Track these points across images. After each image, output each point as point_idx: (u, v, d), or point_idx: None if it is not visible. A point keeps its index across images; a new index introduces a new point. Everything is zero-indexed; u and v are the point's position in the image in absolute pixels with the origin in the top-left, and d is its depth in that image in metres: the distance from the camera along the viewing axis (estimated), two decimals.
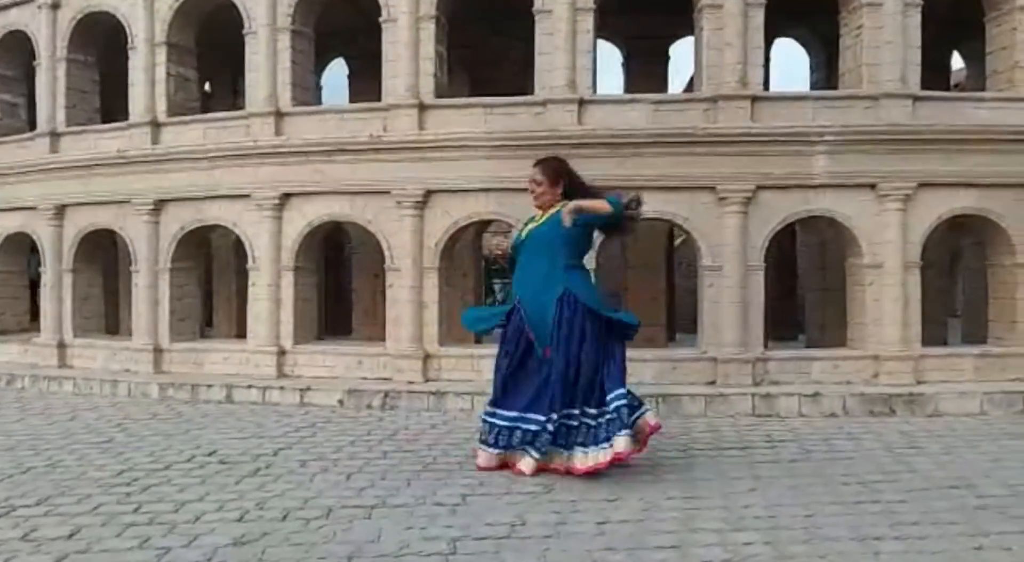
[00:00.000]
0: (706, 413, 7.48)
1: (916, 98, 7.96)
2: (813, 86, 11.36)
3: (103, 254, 10.76)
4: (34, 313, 11.34)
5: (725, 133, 7.91)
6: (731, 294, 8.00)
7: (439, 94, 8.52)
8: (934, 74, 9.11)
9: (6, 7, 10.61)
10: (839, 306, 8.78)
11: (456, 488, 4.82)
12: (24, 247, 11.09)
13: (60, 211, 10.10)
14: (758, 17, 7.96)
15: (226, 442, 6.24)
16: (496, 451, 5.22)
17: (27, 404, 8.29)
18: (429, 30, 8.42)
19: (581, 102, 8.10)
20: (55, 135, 10.14)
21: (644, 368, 7.89)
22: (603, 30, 11.20)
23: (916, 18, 7.95)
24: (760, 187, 7.95)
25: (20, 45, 10.62)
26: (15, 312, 11.26)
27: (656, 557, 3.66)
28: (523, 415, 5.13)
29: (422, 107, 8.37)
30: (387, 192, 8.44)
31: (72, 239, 10.10)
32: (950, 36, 10.44)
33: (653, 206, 7.95)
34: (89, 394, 8.95)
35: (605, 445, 4.98)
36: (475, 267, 11.18)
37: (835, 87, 8.71)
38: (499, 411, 5.22)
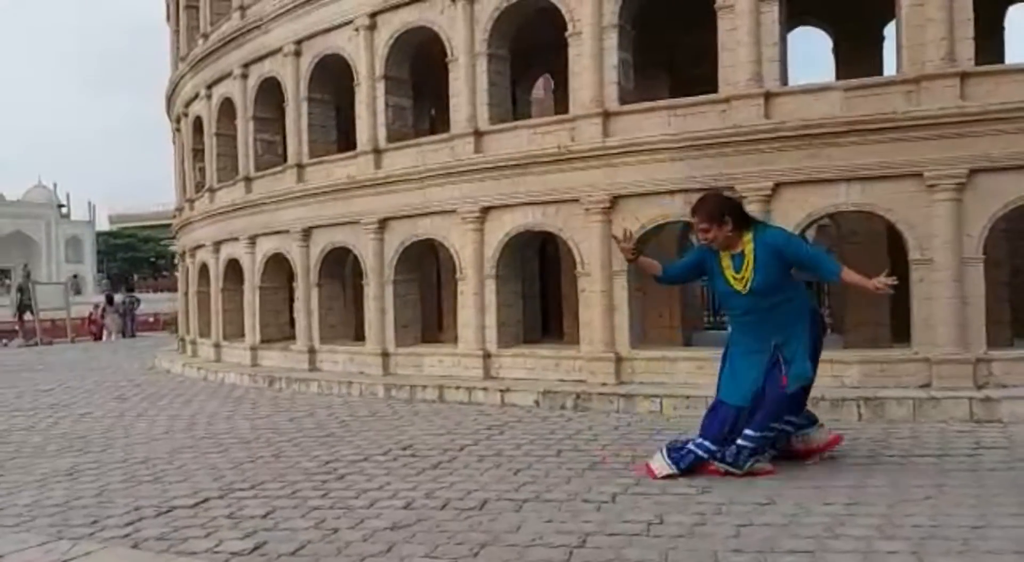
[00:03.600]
0: (915, 418, 6.95)
1: None
2: None
3: (340, 269, 12.05)
4: (292, 324, 12.94)
5: (931, 115, 7.30)
6: (945, 289, 7.36)
7: (623, 101, 8.68)
8: None
9: (261, 58, 12.28)
10: None
11: (612, 487, 4.98)
12: (284, 266, 12.72)
13: (307, 233, 11.50)
14: None
15: (423, 438, 6.85)
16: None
17: (279, 402, 9.55)
18: (612, 39, 8.61)
19: (767, 95, 7.88)
20: (300, 166, 11.58)
21: (847, 369, 7.50)
22: (808, 15, 10.77)
23: None
24: (975, 171, 7.24)
25: (273, 90, 12.24)
26: (277, 323, 12.92)
27: (783, 561, 3.61)
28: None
29: (606, 115, 8.58)
30: (576, 200, 8.74)
31: (317, 257, 11.45)
32: None
33: (851, 198, 7.60)
34: (329, 394, 10.11)
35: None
36: None
37: None
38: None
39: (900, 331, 10.33)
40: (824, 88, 7.87)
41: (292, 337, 12.29)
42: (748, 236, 5.15)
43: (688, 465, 5.15)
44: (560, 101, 11.84)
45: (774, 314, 5.12)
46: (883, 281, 4.86)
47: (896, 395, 7.16)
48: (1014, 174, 7.21)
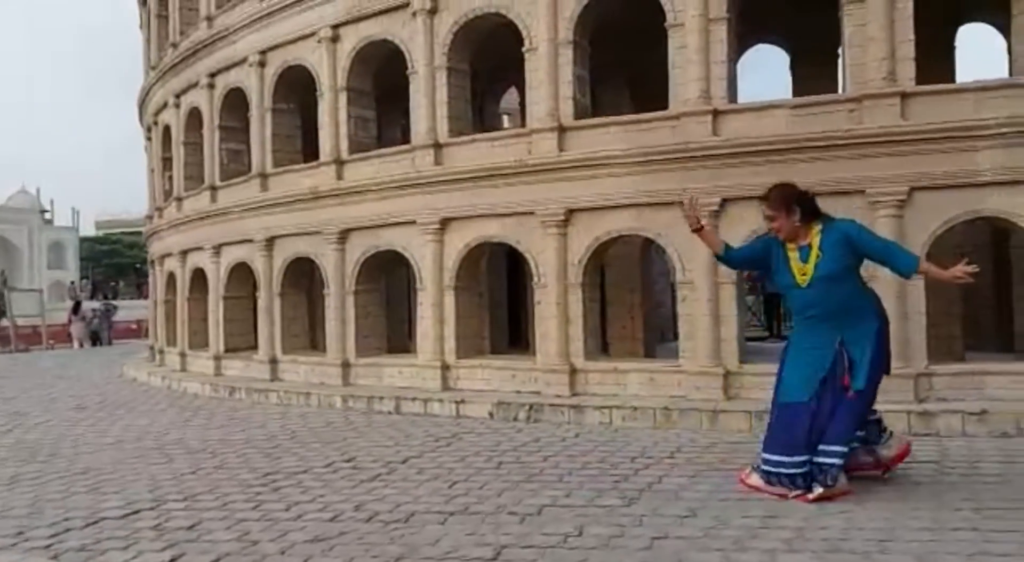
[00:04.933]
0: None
1: None
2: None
3: (304, 279, 12.08)
4: (256, 333, 12.94)
5: (873, 134, 7.44)
6: (888, 304, 7.43)
7: (579, 116, 8.79)
8: None
9: (227, 68, 12.33)
10: None
11: (542, 499, 5.05)
12: (249, 276, 12.73)
13: (270, 243, 11.53)
14: (906, 8, 7.43)
15: (370, 450, 6.89)
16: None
17: (236, 413, 9.56)
18: (567, 55, 8.72)
19: (716, 112, 8.01)
20: (264, 176, 11.63)
21: None
22: (765, 33, 10.94)
23: None
24: (915, 188, 7.39)
25: (239, 100, 12.28)
26: (241, 333, 12.91)
27: None
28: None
29: (562, 129, 8.69)
30: (532, 213, 8.82)
31: (280, 267, 11.48)
32: None
33: None
34: (288, 405, 10.13)
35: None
36: (642, 282, 11.28)
37: None
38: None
39: None
40: (771, 106, 8.00)
41: (256, 347, 12.31)
42: (817, 228, 4.98)
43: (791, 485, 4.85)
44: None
45: (839, 311, 4.92)
46: (962, 270, 4.67)
47: None
48: (953, 192, 7.36)
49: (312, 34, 10.68)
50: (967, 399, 7.26)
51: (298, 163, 11.68)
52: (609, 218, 8.55)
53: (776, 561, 3.83)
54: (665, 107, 8.52)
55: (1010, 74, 7.95)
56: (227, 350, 12.49)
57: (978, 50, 13.19)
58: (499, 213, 9.12)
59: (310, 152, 11.92)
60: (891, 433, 5.38)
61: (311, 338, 12.10)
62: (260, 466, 6.32)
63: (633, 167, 8.31)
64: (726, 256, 5.51)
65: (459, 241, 9.48)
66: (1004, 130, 7.17)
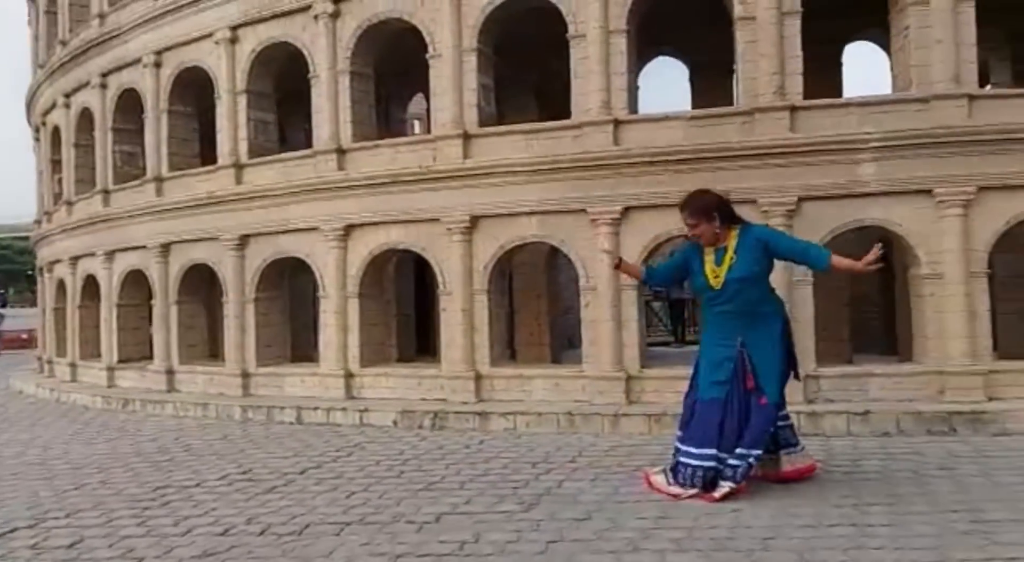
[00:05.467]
0: None
1: (972, 97, 7.49)
2: None
3: (205, 287, 11.71)
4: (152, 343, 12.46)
5: (763, 145, 7.73)
6: None
7: (484, 124, 8.82)
8: None
9: (120, 68, 11.86)
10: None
11: (441, 507, 5.03)
12: (143, 283, 12.25)
13: (166, 249, 11.13)
14: (794, 25, 7.75)
15: (267, 461, 6.72)
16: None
17: (128, 425, 9.18)
18: (472, 63, 8.74)
19: (616, 123, 8.16)
20: (159, 180, 11.23)
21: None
22: (665, 46, 11.23)
23: (969, 14, 7.50)
24: (803, 199, 7.71)
25: (133, 101, 11.83)
26: (136, 342, 12.39)
27: None
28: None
29: (466, 136, 8.69)
30: (437, 219, 8.80)
31: (176, 274, 11.09)
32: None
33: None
34: (185, 416, 9.79)
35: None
36: (548, 288, 11.38)
37: None
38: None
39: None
40: (669, 117, 8.21)
41: (151, 357, 11.85)
42: (735, 232, 5.18)
43: (702, 481, 4.98)
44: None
45: (746, 313, 5.11)
46: (871, 257, 4.92)
47: None
48: (838, 202, 7.70)
49: (210, 35, 10.37)
50: (852, 400, 7.60)
51: (196, 167, 11.32)
52: (514, 225, 8.60)
53: (666, 561, 3.92)
54: (569, 116, 8.65)
55: (892, 90, 8.36)
56: (121, 360, 11.98)
57: (865, 67, 13.91)
58: (404, 219, 9.05)
59: (208, 156, 11.58)
60: (803, 447, 5.54)
61: (210, 347, 11.71)
62: (150, 480, 6.08)
63: (537, 175, 8.38)
64: (650, 277, 5.82)
65: (363, 248, 9.36)
66: (885, 144, 7.56)
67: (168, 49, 10.93)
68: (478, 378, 8.63)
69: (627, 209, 8.12)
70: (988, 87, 10.77)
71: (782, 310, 5.41)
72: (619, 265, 5.68)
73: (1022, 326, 9.36)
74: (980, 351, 7.50)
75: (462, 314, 8.73)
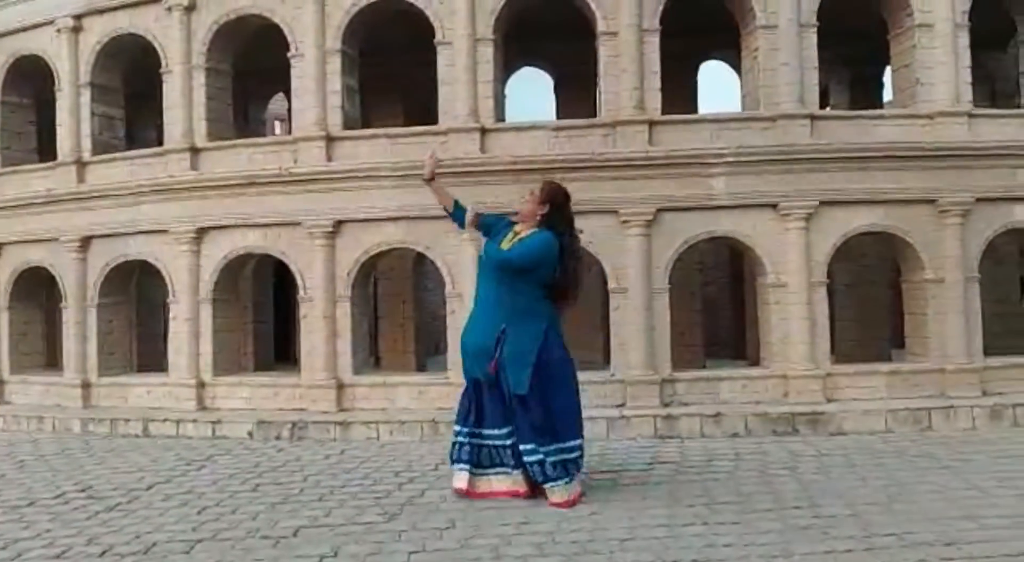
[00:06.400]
0: (608, 436, 7.48)
1: (814, 117, 8.03)
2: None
3: (43, 292, 10.88)
4: None
5: (624, 157, 7.98)
6: (636, 316, 8.03)
7: (348, 126, 8.65)
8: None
9: None
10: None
11: (299, 520, 4.86)
12: None
13: None
14: (653, 42, 8.05)
15: (109, 477, 6.30)
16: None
17: None
18: (336, 64, 8.56)
19: (483, 130, 8.21)
20: None
21: None
22: (532, 57, 11.40)
23: (812, 38, 8.03)
24: (661, 210, 8.00)
25: None
26: None
27: None
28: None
29: (329, 139, 8.50)
30: (299, 223, 8.54)
31: (8, 277, 10.24)
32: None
33: None
34: (16, 430, 9.05)
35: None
36: (414, 294, 11.30)
37: None
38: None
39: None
40: (534, 127, 8.33)
41: None
42: (539, 229, 5.28)
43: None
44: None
45: (508, 303, 5.17)
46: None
47: (595, 415, 7.63)
48: (693, 214, 8.06)
49: (50, 22, 9.65)
50: (705, 403, 7.94)
51: (32, 163, 10.49)
52: (378, 230, 8.47)
53: None
54: (436, 122, 8.61)
55: (741, 108, 8.82)
56: None
57: (718, 85, 14.63)
58: (262, 223, 8.73)
59: (48, 152, 10.77)
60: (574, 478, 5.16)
61: (47, 356, 10.89)
62: None
63: (402, 180, 8.27)
64: (454, 216, 5.69)
65: (218, 251, 8.95)
66: (735, 159, 7.97)
67: (2, 35, 10.09)
68: (340, 387, 8.43)
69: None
70: (828, 108, 11.58)
71: (554, 321, 5.36)
72: (431, 179, 5.63)
73: (858, 331, 10.11)
74: (819, 356, 8.02)
75: (324, 321, 8.51)
